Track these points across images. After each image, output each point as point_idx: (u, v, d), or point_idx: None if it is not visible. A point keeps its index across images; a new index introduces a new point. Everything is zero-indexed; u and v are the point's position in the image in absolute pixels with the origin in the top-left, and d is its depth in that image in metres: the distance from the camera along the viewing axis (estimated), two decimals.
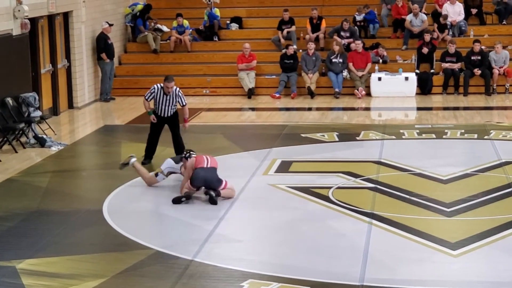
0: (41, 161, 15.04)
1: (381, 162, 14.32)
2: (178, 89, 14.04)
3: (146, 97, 14.09)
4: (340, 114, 19.87)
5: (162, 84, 13.90)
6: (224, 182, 12.10)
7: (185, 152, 12.63)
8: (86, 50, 21.06)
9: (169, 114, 14.11)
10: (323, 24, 22.97)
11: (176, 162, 12.77)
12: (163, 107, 14.02)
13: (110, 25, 21.34)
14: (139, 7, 23.53)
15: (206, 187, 12.05)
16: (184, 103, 14.10)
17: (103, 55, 21.23)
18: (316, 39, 22.82)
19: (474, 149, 15.45)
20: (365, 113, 20.04)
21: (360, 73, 21.64)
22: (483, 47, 21.68)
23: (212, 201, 11.84)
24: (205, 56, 23.31)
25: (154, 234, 10.81)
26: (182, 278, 9.14)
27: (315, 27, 23.00)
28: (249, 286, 8.89)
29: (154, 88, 13.95)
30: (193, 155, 12.38)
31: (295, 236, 10.65)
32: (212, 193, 11.88)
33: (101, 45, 21.26)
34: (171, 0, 25.11)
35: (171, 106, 14.06)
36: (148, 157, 14.33)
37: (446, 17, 22.81)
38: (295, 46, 22.07)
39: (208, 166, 12.19)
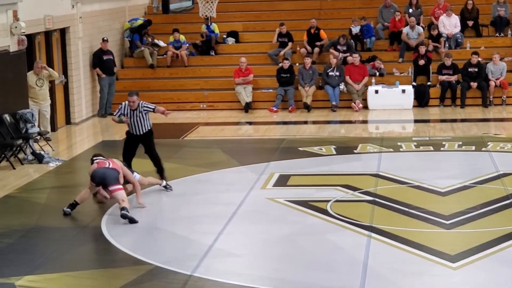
0: (39, 177, 15.02)
1: (379, 175, 14.32)
2: (142, 102, 13.68)
3: (114, 114, 13.84)
4: (337, 127, 19.89)
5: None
6: (119, 186, 12.19)
7: (92, 157, 12.88)
8: (83, 66, 21.10)
9: (141, 132, 13.73)
10: (323, 35, 22.98)
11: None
12: (134, 124, 13.68)
13: (105, 40, 21.35)
14: (139, 22, 23.59)
15: (102, 183, 12.24)
16: (152, 107, 13.65)
17: (97, 70, 21.28)
18: (312, 52, 22.87)
19: (472, 161, 15.46)
20: (362, 126, 20.06)
21: (357, 86, 21.65)
22: (479, 59, 21.73)
23: (132, 221, 11.84)
24: (202, 70, 23.33)
25: (152, 249, 10.78)
26: None
27: (313, 37, 23.03)
28: None
29: (121, 105, 13.70)
30: (95, 161, 12.62)
31: (294, 250, 10.63)
32: (127, 215, 11.86)
33: (95, 61, 21.34)
34: (168, 15, 25.13)
35: (143, 123, 13.68)
36: None
37: (435, 27, 22.86)
38: (287, 60, 22.09)
39: (110, 166, 12.46)
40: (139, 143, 13.89)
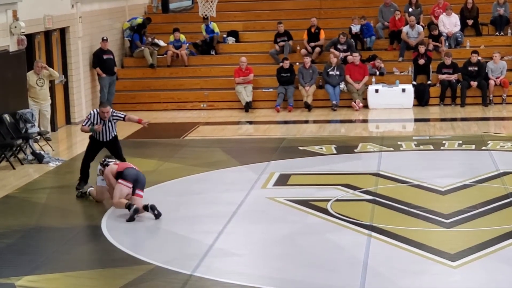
0: (39, 177, 15.02)
1: (379, 174, 14.32)
2: (112, 110, 13.58)
3: (84, 124, 13.57)
4: (338, 126, 19.89)
5: (98, 109, 13.56)
6: (142, 193, 12.20)
7: (103, 160, 12.70)
8: (83, 66, 21.10)
9: (107, 139, 13.65)
10: (322, 35, 23.00)
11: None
12: (102, 131, 13.56)
13: (104, 40, 21.34)
14: (138, 20, 23.60)
15: (135, 183, 12.13)
16: (122, 116, 13.60)
17: (97, 70, 21.31)
18: (312, 51, 22.85)
19: (472, 160, 15.46)
20: (362, 125, 20.06)
21: (357, 86, 21.65)
22: (479, 58, 21.72)
23: (157, 215, 11.91)
24: (202, 70, 23.33)
25: (153, 249, 10.78)
26: None
27: (313, 36, 23.02)
28: None
29: (91, 114, 13.53)
30: (111, 163, 12.50)
31: (294, 249, 10.63)
32: (156, 211, 11.93)
33: (95, 61, 21.35)
34: (168, 14, 25.12)
35: (111, 130, 13.59)
36: (83, 180, 13.82)
37: (435, 28, 22.85)
38: (287, 60, 22.07)
39: (137, 169, 12.42)
40: (102, 148, 13.79)
